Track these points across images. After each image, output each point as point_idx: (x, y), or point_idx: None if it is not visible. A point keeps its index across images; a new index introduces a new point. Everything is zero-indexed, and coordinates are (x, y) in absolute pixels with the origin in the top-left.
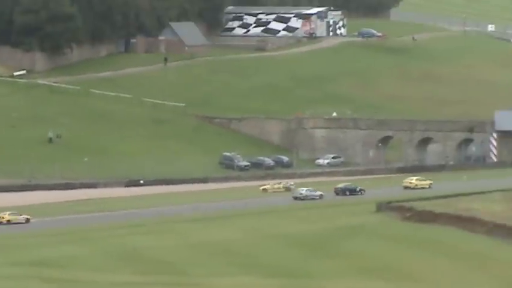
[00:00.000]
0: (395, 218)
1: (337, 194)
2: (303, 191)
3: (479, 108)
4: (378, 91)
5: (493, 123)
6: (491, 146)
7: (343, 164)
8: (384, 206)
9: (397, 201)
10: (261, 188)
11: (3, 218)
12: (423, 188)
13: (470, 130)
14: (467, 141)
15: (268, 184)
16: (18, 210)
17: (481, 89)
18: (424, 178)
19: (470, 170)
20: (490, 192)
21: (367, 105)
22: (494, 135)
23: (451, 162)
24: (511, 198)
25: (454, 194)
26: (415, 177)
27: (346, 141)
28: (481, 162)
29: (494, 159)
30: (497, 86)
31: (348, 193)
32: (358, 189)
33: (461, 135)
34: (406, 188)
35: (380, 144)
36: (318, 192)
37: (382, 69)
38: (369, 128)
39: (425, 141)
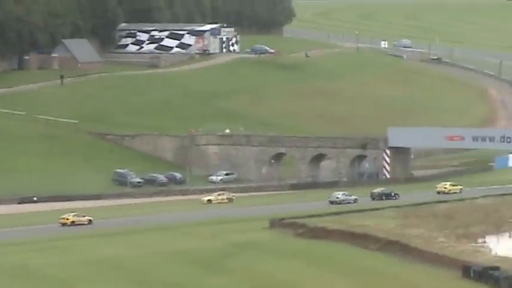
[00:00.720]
0: (288, 234)
1: (373, 198)
2: (339, 195)
3: (373, 124)
4: (270, 107)
5: (386, 139)
6: (384, 162)
7: (236, 180)
8: (276, 223)
9: (291, 218)
10: (205, 199)
11: None
12: (455, 192)
13: (364, 147)
14: (361, 158)
15: (212, 195)
16: None
17: (374, 106)
18: (455, 183)
19: (363, 186)
20: (383, 208)
21: (260, 122)
22: (387, 151)
23: (345, 179)
24: (403, 215)
25: (347, 210)
26: (448, 183)
27: (239, 157)
28: (374, 178)
29: (387, 175)
30: (391, 103)
31: (384, 197)
32: (393, 194)
33: (354, 152)
34: (439, 193)
35: (273, 161)
36: (353, 197)
37: (275, 86)
38: (261, 144)
39: (318, 158)
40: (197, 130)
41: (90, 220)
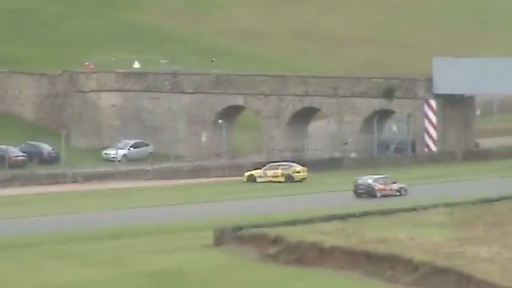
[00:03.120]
0: (249, 256)
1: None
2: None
3: (407, 54)
4: (218, 23)
5: (429, 81)
6: (426, 123)
7: (153, 157)
8: (227, 235)
9: (253, 226)
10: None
11: None
12: None
13: (389, 94)
14: (384, 115)
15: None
16: None
17: (409, 17)
18: None
19: (387, 166)
20: (427, 208)
21: (198, 49)
22: (432, 102)
23: (353, 154)
24: (462, 221)
25: (360, 212)
26: None
27: (158, 115)
28: (408, 152)
29: (433, 147)
30: (443, 13)
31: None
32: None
33: (372, 104)
34: None
35: (221, 121)
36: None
37: None
38: (199, 90)
39: (305, 116)
40: (91, 63)
41: None
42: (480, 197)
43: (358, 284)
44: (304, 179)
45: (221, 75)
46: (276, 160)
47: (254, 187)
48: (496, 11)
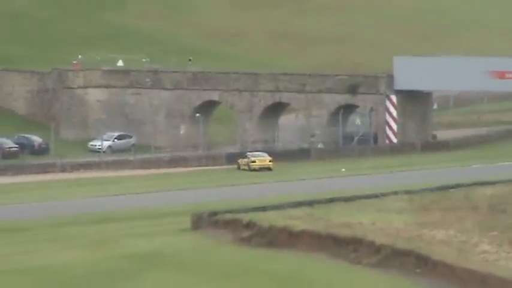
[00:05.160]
0: (224, 240)
1: None
2: None
3: (370, 53)
4: (195, 25)
5: (390, 78)
6: (387, 116)
7: (135, 148)
8: (204, 220)
9: (227, 212)
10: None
11: None
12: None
13: (353, 90)
14: (348, 109)
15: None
16: None
17: (371, 20)
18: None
19: (352, 157)
20: (388, 194)
21: (177, 49)
22: (393, 98)
23: (321, 145)
24: (421, 206)
25: (326, 198)
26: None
27: (140, 109)
28: (370, 144)
29: (393, 139)
30: (403, 16)
31: None
32: None
33: (337, 99)
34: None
35: (198, 115)
36: None
37: None
38: (178, 86)
39: (275, 110)
40: (78, 62)
41: None
42: (437, 184)
43: (324, 264)
44: (270, 168)
45: (198, 73)
46: (249, 150)
47: (230, 175)
48: (453, 14)
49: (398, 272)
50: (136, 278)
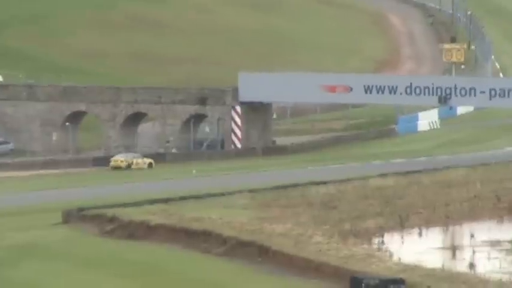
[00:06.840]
0: (90, 232)
1: None
2: None
3: (216, 69)
4: (64, 45)
5: (235, 91)
6: (232, 124)
7: (13, 152)
8: (73, 215)
9: (93, 208)
10: None
11: None
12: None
13: (202, 101)
14: (198, 118)
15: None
16: None
17: (218, 42)
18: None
19: (202, 160)
20: (233, 193)
21: (49, 66)
22: (237, 108)
23: (174, 150)
24: (262, 203)
25: (180, 196)
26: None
27: (17, 118)
28: (218, 148)
29: (238, 144)
30: (244, 37)
31: None
32: None
33: (188, 109)
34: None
35: (68, 124)
36: None
37: (71, 13)
38: (50, 99)
39: (135, 119)
40: None
41: None
42: (277, 184)
43: (178, 254)
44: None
45: (68, 87)
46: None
47: (96, 176)
48: (291, 35)
49: (242, 260)
50: (14, 266)
